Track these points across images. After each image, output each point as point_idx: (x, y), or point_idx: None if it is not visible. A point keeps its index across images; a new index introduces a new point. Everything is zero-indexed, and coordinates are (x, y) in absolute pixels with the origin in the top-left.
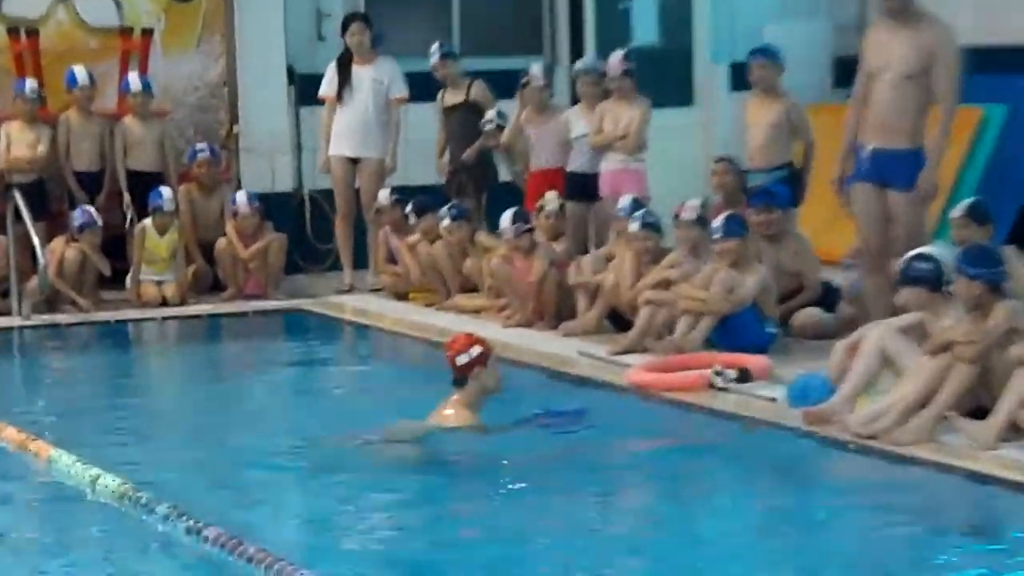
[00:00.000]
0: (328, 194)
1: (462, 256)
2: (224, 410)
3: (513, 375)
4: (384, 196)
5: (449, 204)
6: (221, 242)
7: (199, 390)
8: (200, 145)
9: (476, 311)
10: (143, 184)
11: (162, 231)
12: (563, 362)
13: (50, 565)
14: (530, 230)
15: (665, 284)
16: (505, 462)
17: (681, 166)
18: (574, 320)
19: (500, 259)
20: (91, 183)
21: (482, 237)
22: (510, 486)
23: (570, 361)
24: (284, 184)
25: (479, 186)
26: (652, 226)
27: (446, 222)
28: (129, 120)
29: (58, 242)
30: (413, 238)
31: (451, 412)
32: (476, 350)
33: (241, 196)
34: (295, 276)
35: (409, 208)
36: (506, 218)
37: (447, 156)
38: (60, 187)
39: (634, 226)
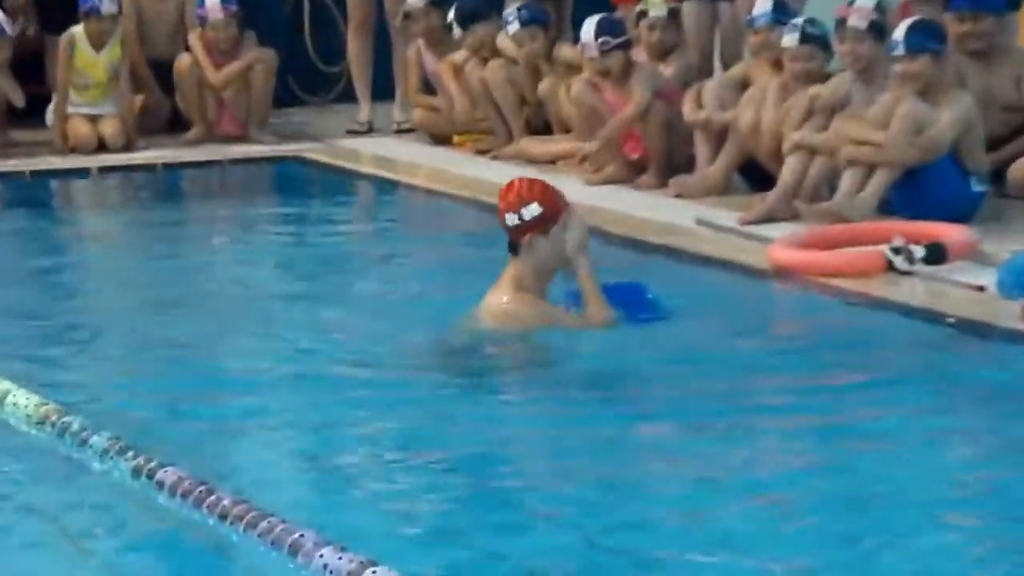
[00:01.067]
0: None
1: (533, 80)
2: (186, 309)
3: (600, 252)
4: None
5: (517, 5)
6: (183, 60)
7: (151, 277)
8: None
9: (551, 160)
10: None
11: (98, 43)
12: (673, 233)
13: None
14: (625, 45)
15: (823, 122)
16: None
17: None
18: (691, 174)
19: (584, 84)
20: None
21: (565, 50)
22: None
23: (684, 232)
24: None
25: None
26: (815, 39)
27: (512, 28)
28: None
29: None
30: (459, 55)
31: (502, 299)
32: (533, 209)
33: None
34: (289, 110)
35: (452, 14)
36: (589, 28)
37: None
38: None
39: (788, 39)
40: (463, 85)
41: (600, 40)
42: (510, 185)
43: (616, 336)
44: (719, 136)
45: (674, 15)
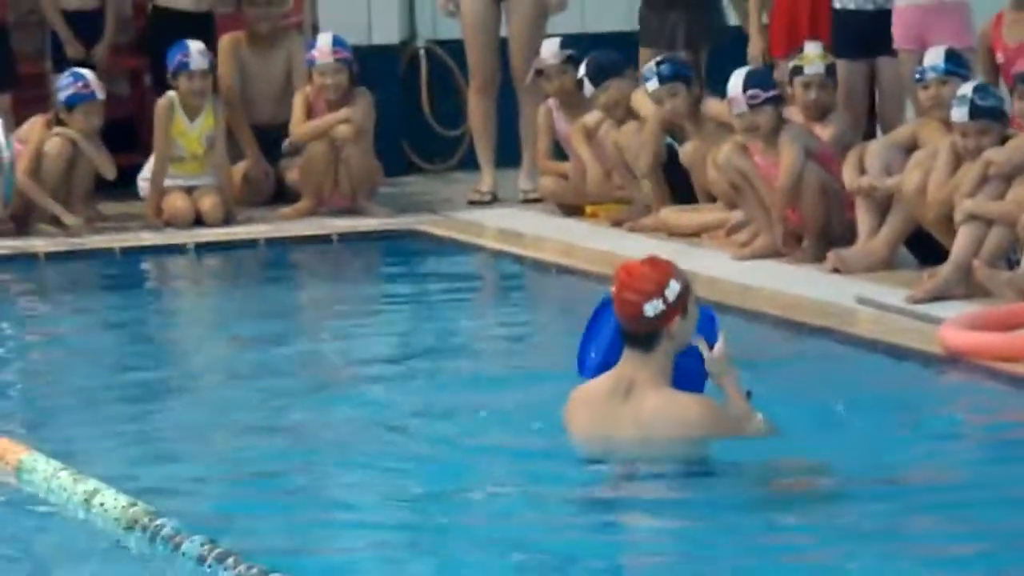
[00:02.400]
0: (456, 48)
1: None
2: (289, 402)
3: (749, 333)
4: (550, 50)
5: (657, 59)
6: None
7: (252, 368)
8: None
9: (694, 232)
10: (170, 29)
11: (191, 106)
12: (832, 314)
13: None
14: (776, 99)
15: (1000, 188)
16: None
17: None
18: (851, 246)
19: (733, 147)
20: (86, 27)
21: (711, 106)
22: None
23: (845, 313)
24: (386, 33)
25: (696, 32)
26: (987, 112)
27: (651, 84)
28: None
29: (33, 125)
30: (590, 117)
31: (658, 402)
32: (674, 289)
33: (324, 38)
34: (405, 179)
35: (583, 69)
36: (736, 80)
37: None
38: (35, 35)
39: (958, 113)
40: (596, 150)
41: (749, 93)
42: (630, 271)
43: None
44: (883, 204)
45: (831, 72)
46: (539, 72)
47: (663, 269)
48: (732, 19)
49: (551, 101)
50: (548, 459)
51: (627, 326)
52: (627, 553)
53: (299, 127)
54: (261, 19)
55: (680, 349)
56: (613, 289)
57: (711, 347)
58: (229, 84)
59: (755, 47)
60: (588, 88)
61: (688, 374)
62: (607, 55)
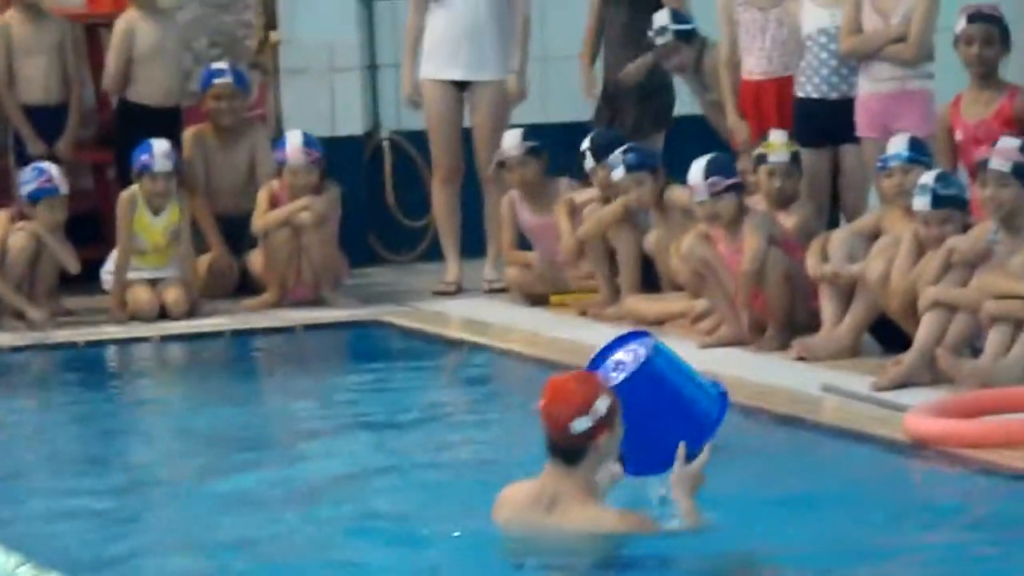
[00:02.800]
0: (420, 139)
1: (634, 230)
2: (260, 499)
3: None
4: (512, 142)
5: (623, 146)
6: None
7: (219, 462)
8: (218, 65)
9: (659, 320)
10: (137, 122)
11: (154, 206)
12: (797, 401)
13: None
14: (736, 187)
15: (964, 276)
16: None
17: None
18: (816, 334)
19: (695, 238)
20: (48, 121)
21: (676, 193)
22: None
23: (809, 400)
24: (350, 124)
25: (646, 120)
26: (949, 201)
27: (617, 174)
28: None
29: None
30: (581, 194)
31: (583, 518)
32: (603, 404)
33: (294, 138)
34: (369, 270)
35: (587, 143)
36: (697, 168)
37: (600, 65)
38: None
39: (920, 202)
40: (583, 228)
41: (709, 180)
42: (557, 387)
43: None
44: (847, 292)
45: (796, 160)
46: (500, 164)
47: (592, 384)
48: (690, 107)
49: (514, 192)
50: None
51: (553, 440)
52: None
53: (261, 218)
54: (224, 113)
55: (606, 461)
56: (540, 403)
57: (691, 457)
58: (194, 174)
59: (740, 135)
60: (590, 162)
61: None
62: (611, 134)
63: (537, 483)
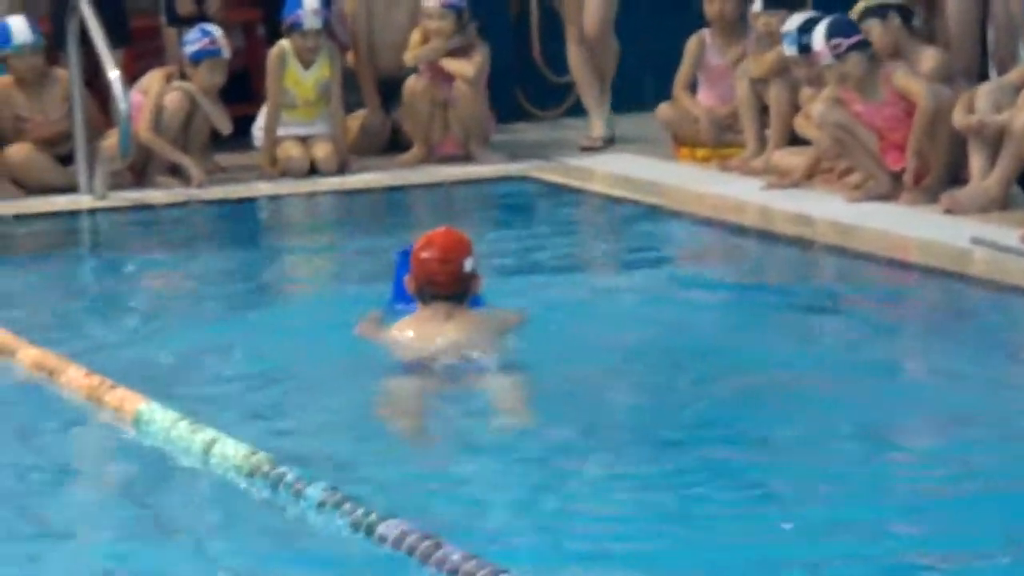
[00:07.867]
0: None
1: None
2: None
3: (862, 276)
4: None
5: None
6: (416, 82)
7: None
8: None
9: (806, 175)
10: None
11: (304, 61)
12: (946, 254)
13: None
14: (860, 45)
15: None
16: None
17: None
18: (963, 187)
19: (826, 103)
20: None
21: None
22: None
23: (958, 253)
24: None
25: None
26: None
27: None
28: None
29: (153, 78)
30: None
31: (481, 314)
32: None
33: None
34: (518, 126)
35: None
36: (818, 36)
37: None
38: None
39: None
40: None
41: (832, 43)
42: (445, 235)
43: None
44: (994, 144)
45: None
46: None
47: (461, 235)
48: None
49: (705, 31)
50: None
51: (444, 280)
52: None
53: (412, 51)
54: None
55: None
56: (426, 254)
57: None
58: (356, 30)
59: None
60: (758, 3)
61: None
62: None
63: (428, 309)
